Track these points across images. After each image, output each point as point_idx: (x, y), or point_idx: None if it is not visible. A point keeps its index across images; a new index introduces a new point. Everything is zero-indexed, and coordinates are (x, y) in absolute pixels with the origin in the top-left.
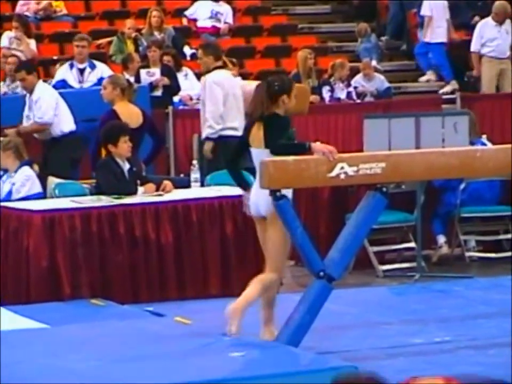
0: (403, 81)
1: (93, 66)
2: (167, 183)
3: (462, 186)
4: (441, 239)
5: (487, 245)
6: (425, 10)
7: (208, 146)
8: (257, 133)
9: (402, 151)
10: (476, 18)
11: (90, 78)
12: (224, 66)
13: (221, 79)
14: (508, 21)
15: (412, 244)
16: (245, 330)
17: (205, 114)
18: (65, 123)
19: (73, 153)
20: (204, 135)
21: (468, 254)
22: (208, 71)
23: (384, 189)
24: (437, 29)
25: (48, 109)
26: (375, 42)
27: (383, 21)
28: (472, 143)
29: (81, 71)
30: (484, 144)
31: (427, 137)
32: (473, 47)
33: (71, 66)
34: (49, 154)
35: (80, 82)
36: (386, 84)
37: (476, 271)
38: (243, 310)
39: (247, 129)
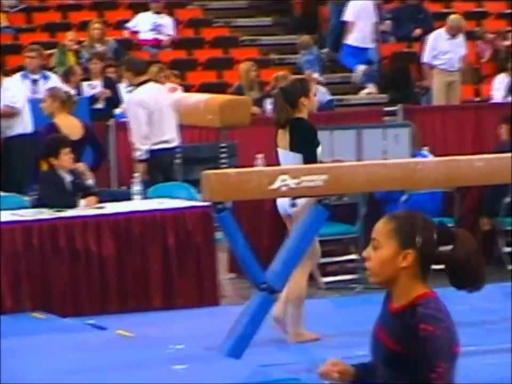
0: (345, 94)
1: (46, 78)
2: (89, 198)
3: (404, 198)
4: None
5: None
6: (348, 16)
7: (139, 168)
8: (284, 134)
9: (344, 163)
10: (417, 30)
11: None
12: (150, 79)
13: (143, 98)
14: (460, 35)
15: (354, 256)
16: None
17: (132, 136)
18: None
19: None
20: (135, 157)
21: None
22: (134, 87)
23: (326, 201)
24: (361, 34)
25: (20, 95)
26: (316, 55)
27: (325, 33)
28: (413, 155)
29: (35, 82)
30: (425, 156)
31: (369, 149)
32: (425, 58)
33: (24, 77)
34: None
35: (33, 93)
36: (328, 96)
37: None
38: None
39: (276, 132)
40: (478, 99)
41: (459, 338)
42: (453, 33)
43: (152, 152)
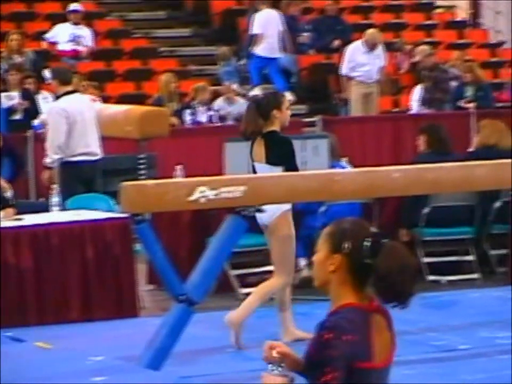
0: None
1: None
2: (7, 210)
3: (323, 209)
4: (303, 262)
5: None
6: (255, 28)
7: (45, 174)
8: (258, 148)
9: (263, 174)
10: (336, 42)
11: None
12: (75, 91)
13: (67, 107)
14: (379, 46)
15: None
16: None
17: (46, 143)
18: None
19: None
20: (44, 163)
21: None
22: (59, 96)
23: (245, 212)
24: (269, 44)
25: None
26: (235, 66)
27: (244, 44)
28: (332, 166)
29: None
30: (344, 167)
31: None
32: (343, 70)
33: None
34: None
35: None
36: None
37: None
38: (242, 321)
39: (251, 146)
40: (396, 110)
41: (373, 355)
42: (369, 47)
43: (74, 163)
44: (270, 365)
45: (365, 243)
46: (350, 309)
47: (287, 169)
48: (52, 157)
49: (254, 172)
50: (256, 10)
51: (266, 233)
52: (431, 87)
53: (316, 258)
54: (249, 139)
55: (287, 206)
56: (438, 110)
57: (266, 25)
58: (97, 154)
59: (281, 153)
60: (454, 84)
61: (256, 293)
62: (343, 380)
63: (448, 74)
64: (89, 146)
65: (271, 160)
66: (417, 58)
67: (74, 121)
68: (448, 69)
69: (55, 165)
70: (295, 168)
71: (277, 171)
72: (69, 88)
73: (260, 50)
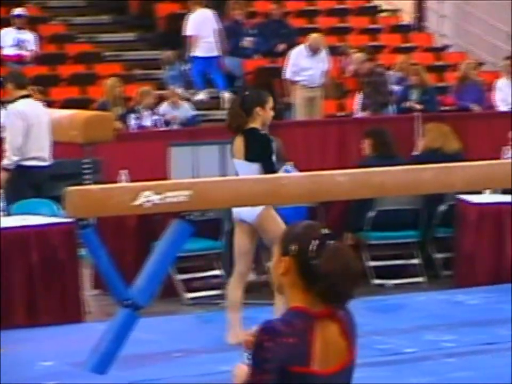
0: (209, 109)
1: None
2: None
3: None
4: None
5: None
6: (189, 30)
7: (3, 176)
8: (239, 145)
9: (208, 179)
10: (281, 46)
11: None
12: (30, 95)
13: (24, 109)
14: (322, 50)
15: (219, 271)
16: None
17: (5, 145)
18: None
19: None
20: (1, 165)
21: None
22: (13, 100)
23: (190, 217)
24: (207, 44)
25: None
26: (180, 70)
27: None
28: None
29: None
30: (289, 171)
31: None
32: (286, 74)
33: None
34: None
35: None
36: (192, 112)
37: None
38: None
39: (232, 142)
40: (341, 114)
41: (312, 360)
42: (314, 51)
43: (26, 167)
44: (246, 354)
45: (311, 245)
46: (294, 312)
47: (263, 167)
48: (11, 158)
49: (235, 169)
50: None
51: (250, 230)
52: (370, 92)
53: (272, 262)
54: (236, 133)
55: None
56: (381, 114)
57: (201, 26)
58: (48, 159)
59: (259, 150)
60: (397, 87)
61: (232, 291)
62: (277, 382)
63: (385, 77)
64: (42, 151)
65: (249, 156)
66: (353, 67)
67: (31, 124)
68: (385, 71)
69: (12, 167)
70: (270, 166)
71: (254, 168)
72: (24, 92)
73: (198, 51)
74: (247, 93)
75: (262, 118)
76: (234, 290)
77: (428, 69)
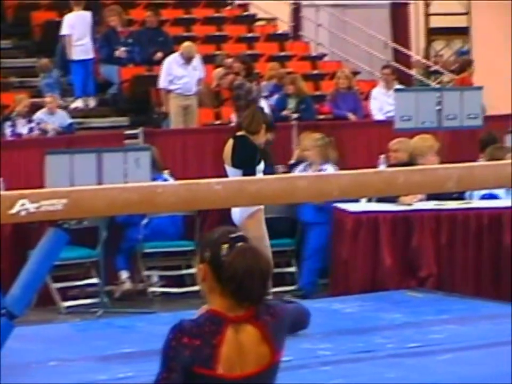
0: (87, 117)
1: None
2: None
3: (145, 221)
4: (124, 274)
5: (170, 280)
6: (63, 30)
7: None
8: (227, 150)
9: (84, 187)
10: (159, 54)
11: None
12: None
13: None
14: (196, 58)
15: (95, 280)
16: None
17: None
18: None
19: None
20: None
21: (150, 289)
22: None
23: (66, 225)
24: (80, 47)
25: None
26: (56, 78)
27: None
28: (154, 179)
29: None
30: (165, 179)
31: (109, 173)
32: (161, 83)
33: None
34: None
35: None
36: (69, 120)
37: (159, 306)
38: None
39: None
40: (218, 122)
41: (218, 363)
42: (187, 59)
43: None
44: None
45: (222, 249)
46: (208, 315)
47: (244, 173)
48: None
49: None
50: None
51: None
52: (238, 104)
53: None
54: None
55: (257, 206)
56: None
57: (75, 27)
58: None
59: (244, 157)
60: (274, 96)
61: None
62: (180, 381)
63: (250, 88)
64: None
65: (235, 162)
66: (215, 83)
67: None
68: (245, 82)
69: None
70: (251, 174)
71: (238, 174)
72: None
73: (75, 55)
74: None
75: (258, 137)
76: None
77: (304, 77)
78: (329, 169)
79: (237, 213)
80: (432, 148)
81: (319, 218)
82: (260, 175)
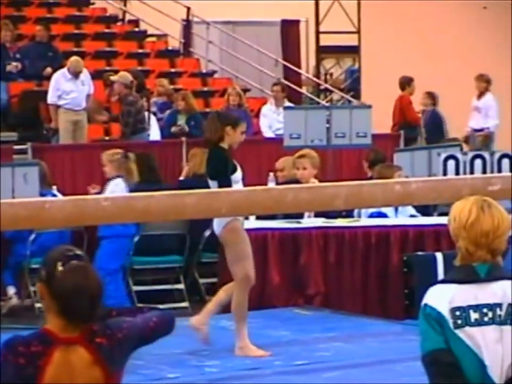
0: None
1: None
2: None
3: (32, 237)
4: (11, 290)
5: None
6: None
7: None
8: (204, 162)
9: None
10: (48, 69)
11: None
12: None
13: None
14: (84, 73)
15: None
16: None
17: None
18: None
19: None
20: None
21: (37, 305)
22: None
23: None
24: None
25: None
26: None
27: None
28: (42, 194)
29: None
30: (54, 195)
31: None
32: (50, 99)
33: None
34: None
35: None
36: None
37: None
38: (205, 323)
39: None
40: (107, 138)
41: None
42: (74, 74)
43: None
44: None
45: (56, 267)
46: (40, 334)
47: (219, 184)
48: None
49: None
50: None
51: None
52: (127, 121)
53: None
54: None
55: (232, 217)
56: (137, 139)
57: None
58: None
59: (217, 168)
60: (164, 112)
61: (215, 299)
62: None
63: (137, 103)
64: None
65: (210, 174)
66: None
67: None
68: (138, 99)
69: None
70: (226, 184)
71: (214, 185)
72: None
73: None
74: (220, 111)
75: (230, 138)
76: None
77: (194, 94)
78: (120, 184)
79: (215, 224)
80: (304, 157)
81: None
82: (238, 185)
